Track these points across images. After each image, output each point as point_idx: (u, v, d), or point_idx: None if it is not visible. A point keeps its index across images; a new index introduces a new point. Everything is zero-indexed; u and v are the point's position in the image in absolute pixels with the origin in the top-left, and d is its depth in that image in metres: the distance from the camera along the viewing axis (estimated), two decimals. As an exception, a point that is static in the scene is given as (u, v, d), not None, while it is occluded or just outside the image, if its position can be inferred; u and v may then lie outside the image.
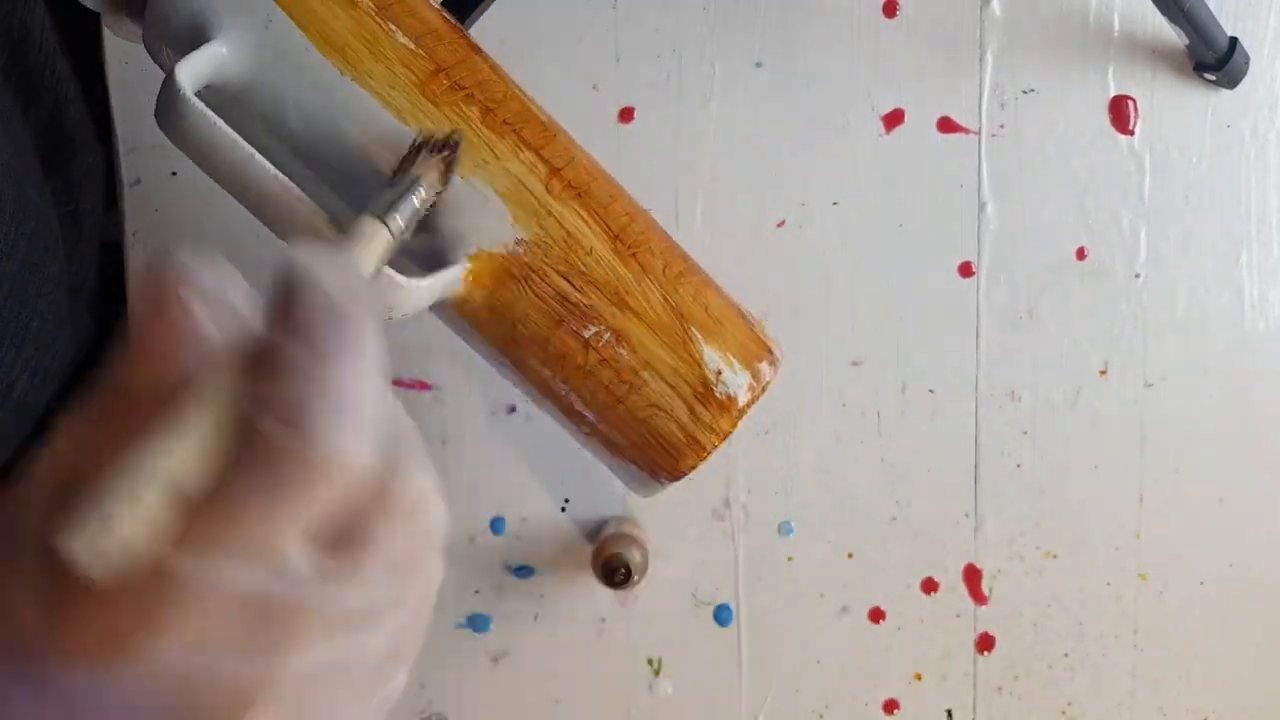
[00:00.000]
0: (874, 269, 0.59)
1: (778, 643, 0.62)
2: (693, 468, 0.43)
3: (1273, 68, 0.57)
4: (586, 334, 0.41)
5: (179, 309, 0.25)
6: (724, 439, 0.42)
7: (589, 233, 0.41)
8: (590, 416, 0.43)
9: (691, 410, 0.42)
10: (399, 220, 0.35)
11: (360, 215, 0.35)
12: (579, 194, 0.41)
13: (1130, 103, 0.57)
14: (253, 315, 0.26)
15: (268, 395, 0.24)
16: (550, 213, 0.41)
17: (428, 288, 0.39)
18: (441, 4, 0.48)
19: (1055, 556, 0.61)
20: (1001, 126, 0.58)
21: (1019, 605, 0.61)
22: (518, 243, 0.40)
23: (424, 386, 0.61)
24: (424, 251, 0.41)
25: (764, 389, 0.43)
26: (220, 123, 0.37)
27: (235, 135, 0.37)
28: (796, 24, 0.57)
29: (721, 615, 0.61)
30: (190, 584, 0.23)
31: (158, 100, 0.37)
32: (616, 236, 0.41)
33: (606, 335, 0.41)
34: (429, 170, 0.37)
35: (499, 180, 0.40)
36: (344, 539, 0.25)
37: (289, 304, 0.24)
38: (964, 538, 0.61)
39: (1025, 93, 0.57)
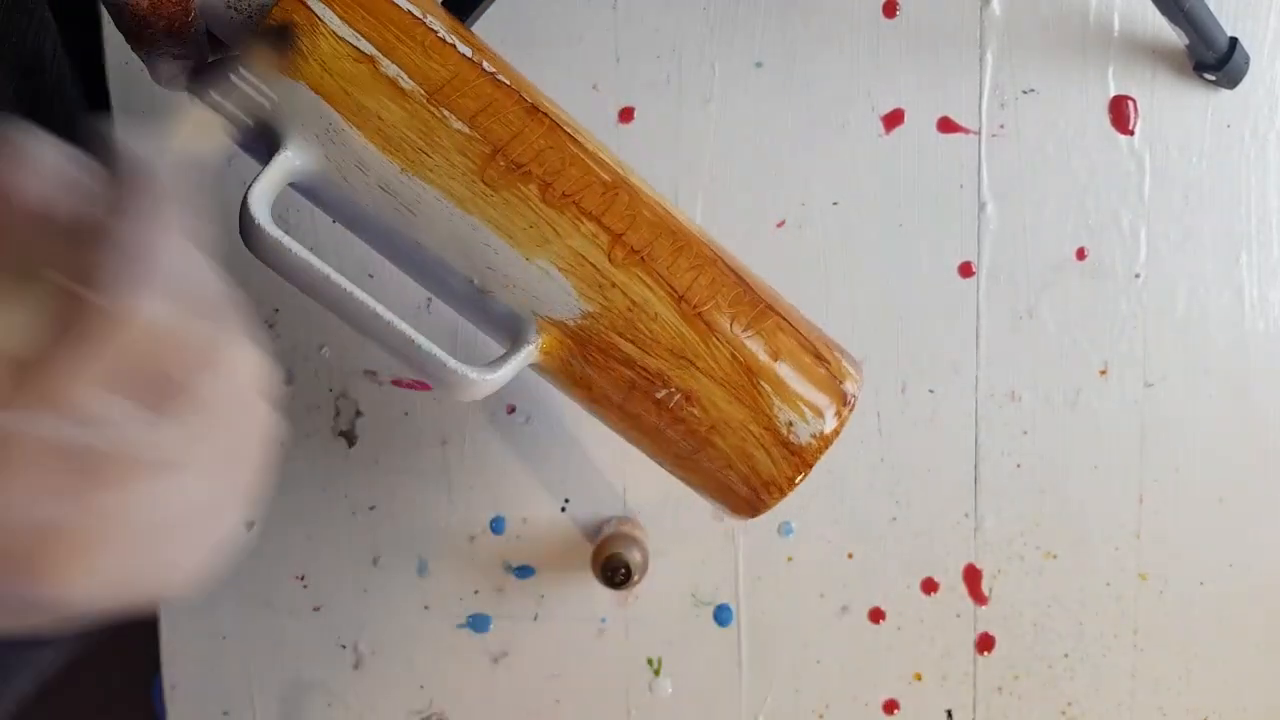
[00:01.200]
0: (874, 269, 0.59)
1: (778, 643, 0.62)
2: (770, 508, 0.44)
3: (1273, 68, 0.57)
4: (658, 395, 0.42)
5: (10, 184, 0.26)
6: (801, 482, 0.44)
7: (653, 299, 0.42)
8: (671, 465, 0.45)
9: (767, 458, 0.43)
10: (227, 104, 0.36)
11: (191, 100, 0.36)
12: (642, 258, 0.42)
13: (1130, 103, 0.57)
14: (85, 186, 0.27)
15: (77, 260, 0.25)
16: (614, 284, 0.41)
17: (500, 378, 0.40)
18: (442, 4, 0.48)
19: (1055, 556, 0.61)
20: (1001, 126, 0.58)
21: (1019, 605, 0.61)
22: (584, 315, 0.41)
23: (424, 386, 0.61)
24: (494, 321, 0.43)
25: (838, 431, 0.44)
26: (294, 247, 0.38)
27: (309, 257, 0.39)
28: (796, 24, 0.57)
29: (721, 615, 0.61)
30: (2, 439, 0.24)
31: (239, 220, 0.39)
32: (681, 297, 0.42)
33: (677, 396, 0.42)
34: (260, 60, 0.38)
35: (561, 258, 0.41)
36: (155, 390, 0.26)
37: (108, 178, 0.26)
38: (964, 538, 0.61)
39: (1025, 93, 0.57)
